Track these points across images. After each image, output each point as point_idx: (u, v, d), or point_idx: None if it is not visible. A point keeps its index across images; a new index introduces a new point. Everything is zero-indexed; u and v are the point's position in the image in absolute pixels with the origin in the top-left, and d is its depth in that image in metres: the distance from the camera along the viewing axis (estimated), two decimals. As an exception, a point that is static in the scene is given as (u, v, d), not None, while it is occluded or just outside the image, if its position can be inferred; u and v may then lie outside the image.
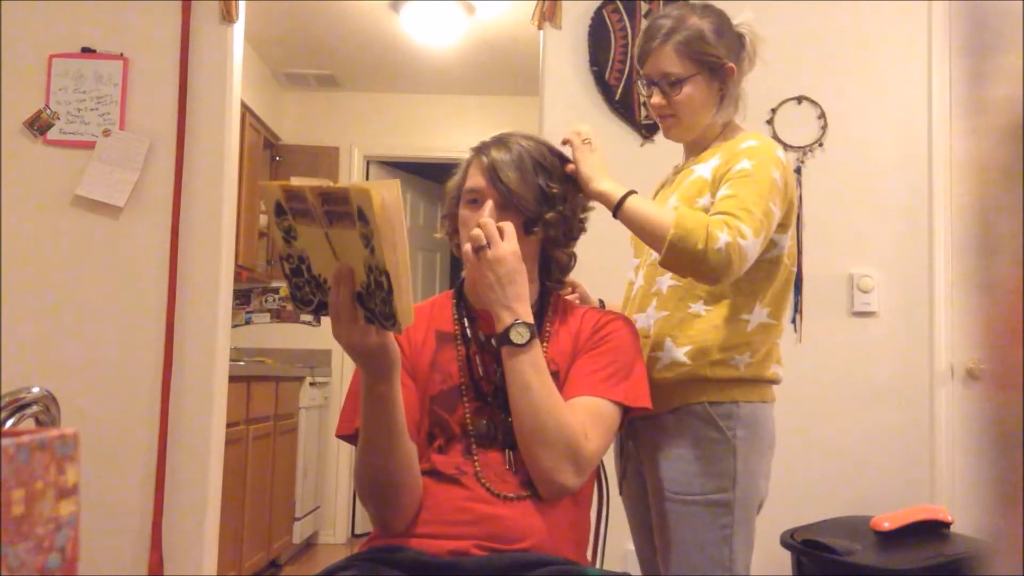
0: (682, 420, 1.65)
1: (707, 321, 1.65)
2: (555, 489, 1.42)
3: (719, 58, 1.70)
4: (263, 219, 4.89)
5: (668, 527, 1.65)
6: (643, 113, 3.04)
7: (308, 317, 1.22)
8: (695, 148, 1.79)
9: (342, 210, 1.11)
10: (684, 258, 1.50)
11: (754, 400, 1.66)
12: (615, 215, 1.59)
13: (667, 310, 1.68)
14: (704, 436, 1.64)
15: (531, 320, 1.44)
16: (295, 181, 1.15)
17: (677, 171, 1.82)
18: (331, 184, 1.12)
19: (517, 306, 1.43)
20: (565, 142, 1.66)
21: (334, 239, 1.16)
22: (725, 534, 1.62)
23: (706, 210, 1.60)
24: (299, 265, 1.23)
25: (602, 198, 1.60)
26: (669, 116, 1.74)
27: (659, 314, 1.69)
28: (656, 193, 1.87)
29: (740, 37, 1.74)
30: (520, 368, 1.41)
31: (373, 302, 1.17)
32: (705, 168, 1.67)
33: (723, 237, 1.47)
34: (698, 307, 1.65)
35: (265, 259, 5.12)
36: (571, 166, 1.62)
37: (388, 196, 1.09)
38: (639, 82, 1.81)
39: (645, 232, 1.57)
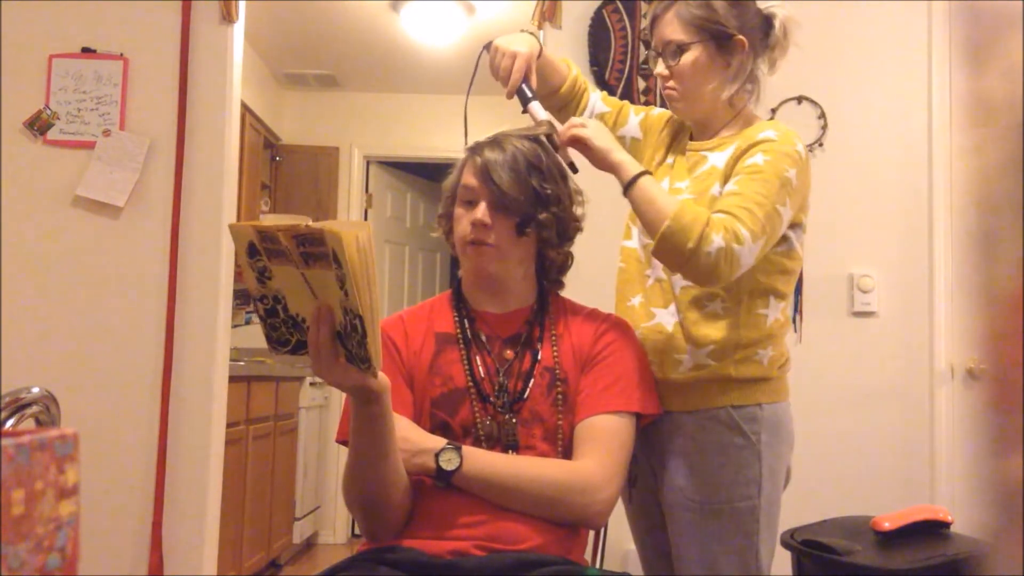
0: (704, 426, 1.60)
1: (726, 319, 1.58)
2: (597, 522, 1.48)
3: (725, 27, 1.60)
4: (263, 219, 4.88)
5: (694, 536, 1.60)
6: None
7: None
8: (704, 130, 1.69)
9: (319, 251, 1.09)
10: (673, 253, 1.46)
11: (776, 400, 1.62)
12: (626, 191, 1.53)
13: (685, 310, 1.61)
14: (729, 442, 1.58)
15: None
16: (268, 220, 1.13)
17: (683, 149, 1.72)
18: (306, 224, 1.09)
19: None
20: (573, 138, 1.59)
21: (311, 279, 1.14)
22: (751, 541, 1.58)
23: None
24: (274, 305, 1.20)
25: (618, 170, 1.53)
26: (672, 88, 1.66)
27: (679, 314, 1.62)
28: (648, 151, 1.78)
29: (768, 18, 1.64)
30: (473, 483, 1.40)
31: (350, 343, 1.15)
32: (720, 157, 1.60)
33: (716, 241, 1.42)
34: (715, 305, 1.59)
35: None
36: (575, 143, 1.57)
37: (362, 237, 1.07)
38: (648, 55, 1.72)
39: (647, 216, 1.51)
